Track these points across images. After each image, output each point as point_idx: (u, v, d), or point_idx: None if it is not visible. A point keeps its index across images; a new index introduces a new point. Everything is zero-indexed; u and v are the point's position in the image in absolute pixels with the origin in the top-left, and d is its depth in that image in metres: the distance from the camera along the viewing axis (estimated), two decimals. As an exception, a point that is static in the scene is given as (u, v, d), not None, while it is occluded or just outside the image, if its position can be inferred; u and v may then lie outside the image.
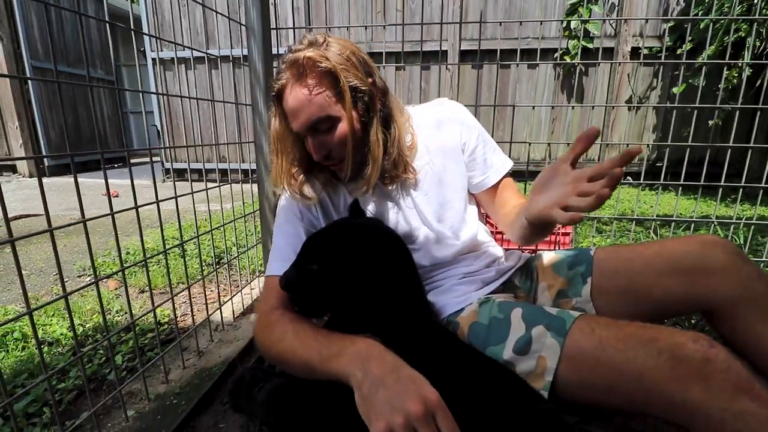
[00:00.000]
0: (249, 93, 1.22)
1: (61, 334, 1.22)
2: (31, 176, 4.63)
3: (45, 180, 4.62)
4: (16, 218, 2.65)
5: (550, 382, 0.63)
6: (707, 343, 0.53)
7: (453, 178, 0.89)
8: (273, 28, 1.22)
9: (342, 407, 0.57)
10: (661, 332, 0.57)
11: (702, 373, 0.51)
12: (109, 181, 0.77)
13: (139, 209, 0.82)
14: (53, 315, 1.34)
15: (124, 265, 0.80)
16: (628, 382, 0.57)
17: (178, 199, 0.95)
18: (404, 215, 0.87)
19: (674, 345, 0.54)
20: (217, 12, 1.14)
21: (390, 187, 0.86)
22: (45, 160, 4.68)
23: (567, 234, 1.78)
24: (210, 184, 1.17)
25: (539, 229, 0.75)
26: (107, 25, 0.73)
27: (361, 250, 0.69)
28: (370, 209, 0.87)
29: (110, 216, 0.77)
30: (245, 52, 1.19)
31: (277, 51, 1.31)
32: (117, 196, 3.33)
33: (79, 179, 0.73)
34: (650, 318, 0.77)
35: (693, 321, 1.23)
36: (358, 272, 0.68)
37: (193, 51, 1.15)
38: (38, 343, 0.64)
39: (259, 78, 1.20)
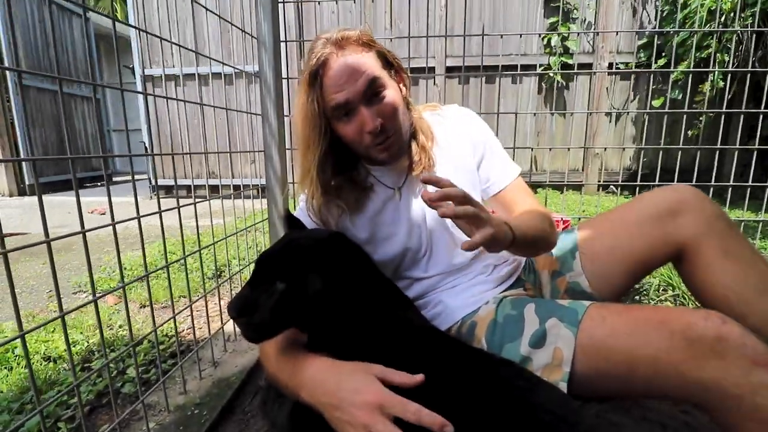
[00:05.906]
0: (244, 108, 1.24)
1: (65, 350, 1.18)
2: (10, 195, 4.48)
3: (25, 199, 4.38)
4: (-1, 237, 2.56)
5: (568, 372, 0.63)
6: (719, 320, 0.53)
7: (467, 187, 0.91)
8: (282, 41, 1.25)
9: None
10: (672, 313, 0.58)
11: (716, 351, 0.52)
12: (93, 198, 0.76)
13: (128, 227, 0.79)
14: (53, 331, 1.30)
15: (124, 279, 0.79)
16: (643, 367, 0.57)
17: (170, 213, 0.92)
18: (428, 219, 0.88)
19: (686, 325, 0.55)
20: (232, 24, 1.16)
21: (417, 187, 0.88)
22: (25, 179, 4.54)
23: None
24: (210, 199, 1.18)
25: None
26: (95, 41, 0.74)
27: (328, 262, 0.63)
28: (402, 206, 0.88)
29: (111, 226, 0.74)
30: (240, 68, 1.23)
31: (286, 66, 1.34)
32: (104, 214, 3.25)
33: (61, 197, 0.72)
34: (639, 272, 0.84)
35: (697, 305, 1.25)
36: (331, 284, 0.62)
37: (198, 56, 1.16)
38: (29, 366, 0.59)
39: (270, 89, 1.22)
